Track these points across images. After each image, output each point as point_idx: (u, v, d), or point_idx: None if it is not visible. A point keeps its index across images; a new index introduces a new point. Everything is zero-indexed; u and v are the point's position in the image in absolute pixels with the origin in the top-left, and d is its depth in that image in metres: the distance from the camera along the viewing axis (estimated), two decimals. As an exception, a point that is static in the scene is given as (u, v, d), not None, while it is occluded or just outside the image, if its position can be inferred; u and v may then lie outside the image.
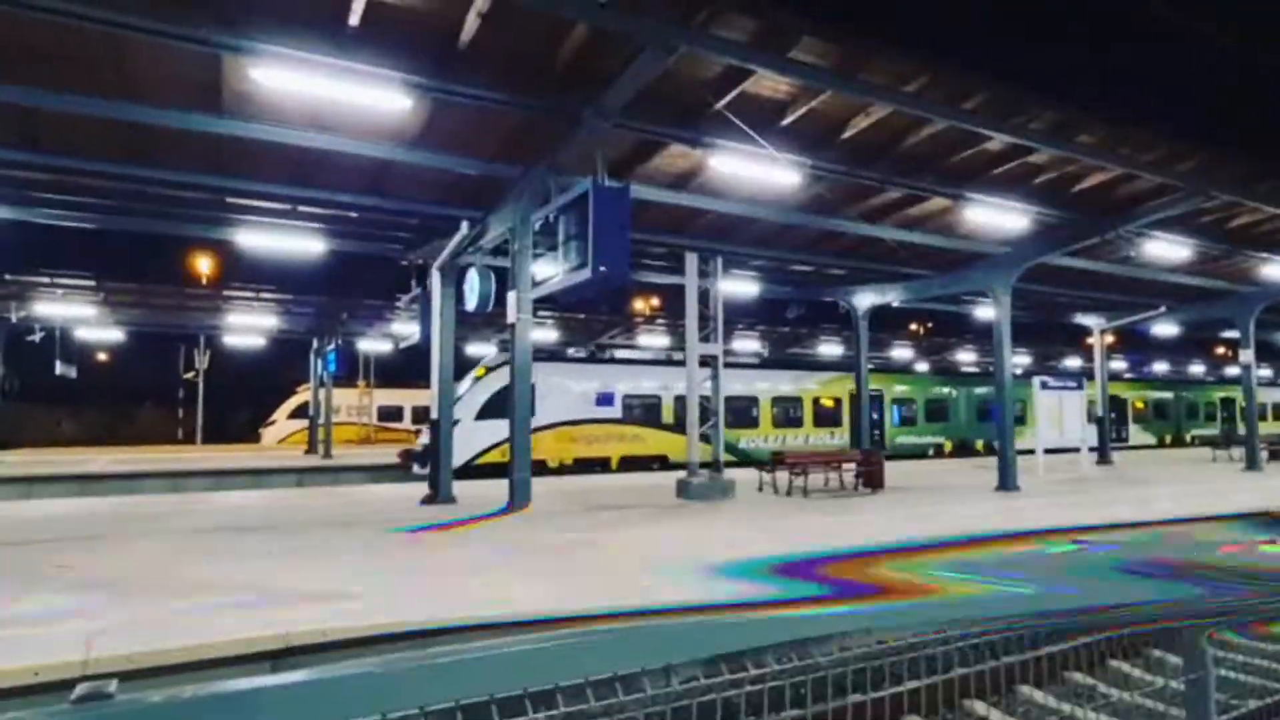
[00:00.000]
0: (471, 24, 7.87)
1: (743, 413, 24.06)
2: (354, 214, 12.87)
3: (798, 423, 25.61)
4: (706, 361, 14.17)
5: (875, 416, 26.35)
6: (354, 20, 7.66)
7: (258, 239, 13.17)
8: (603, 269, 8.49)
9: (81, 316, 22.35)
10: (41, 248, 21.50)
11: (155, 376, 43.03)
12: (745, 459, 22.51)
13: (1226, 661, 4.12)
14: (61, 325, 23.23)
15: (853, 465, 15.01)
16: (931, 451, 28.25)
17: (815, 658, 1.80)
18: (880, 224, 14.14)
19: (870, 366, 28.36)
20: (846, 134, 10.62)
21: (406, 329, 23.49)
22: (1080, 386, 19.03)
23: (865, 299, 18.33)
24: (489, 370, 20.80)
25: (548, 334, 26.62)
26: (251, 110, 9.09)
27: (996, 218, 13.03)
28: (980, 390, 30.08)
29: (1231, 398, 38.32)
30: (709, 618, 1.57)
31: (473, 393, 20.01)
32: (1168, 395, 36.24)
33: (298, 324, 25.44)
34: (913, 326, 41.54)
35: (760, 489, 14.51)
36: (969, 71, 9.56)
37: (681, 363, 24.98)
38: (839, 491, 14.29)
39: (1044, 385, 18.38)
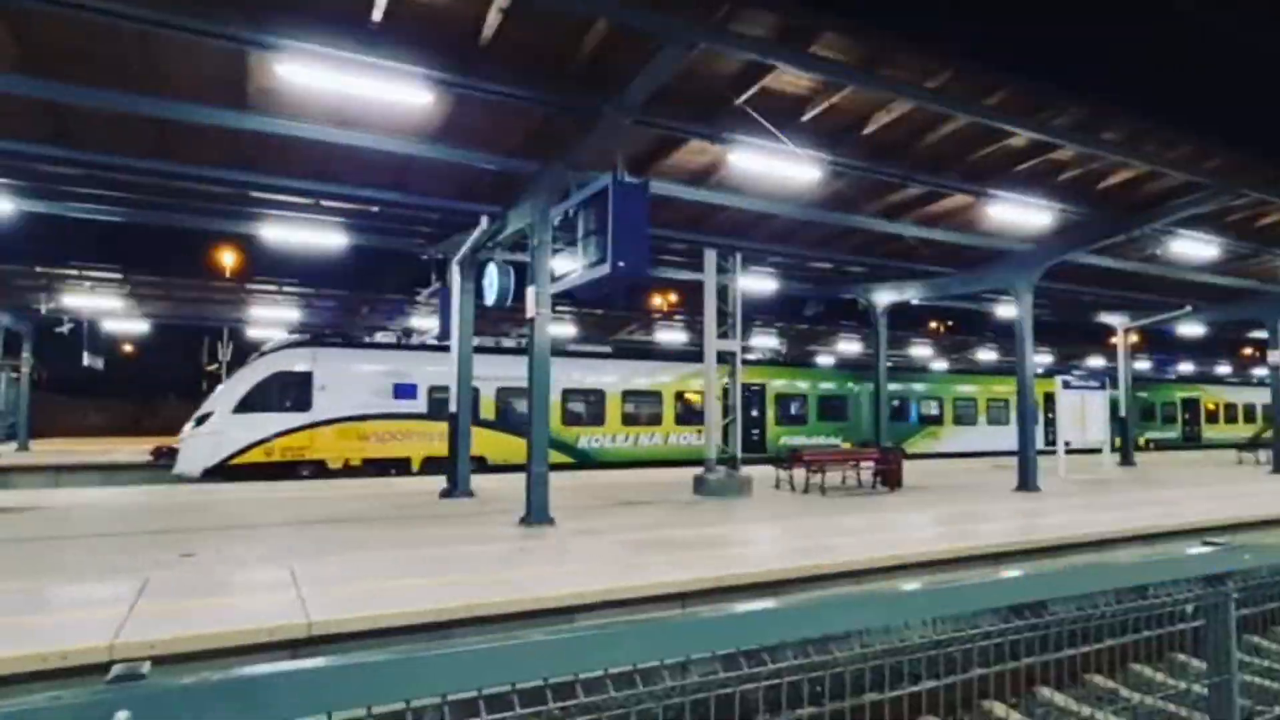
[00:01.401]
0: (493, 20, 7.89)
1: (583, 407, 21.21)
2: (375, 209, 12.98)
3: (655, 420, 22.31)
4: (725, 357, 14.11)
5: (754, 414, 23.56)
6: (377, 16, 7.72)
7: (281, 233, 13.33)
8: (622, 265, 8.49)
9: (108, 309, 22.77)
10: (71, 241, 21.93)
11: (179, 369, 43.65)
12: (586, 460, 20.28)
13: (1252, 666, 4.06)
14: (89, 317, 23.68)
15: (870, 464, 14.93)
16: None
17: (833, 654, 1.80)
18: (900, 220, 14.02)
19: (755, 358, 25.32)
20: (867, 130, 10.54)
21: (426, 323, 23.68)
22: (1103, 387, 18.76)
23: (884, 296, 18.20)
24: (262, 356, 18.42)
25: (566, 329, 26.69)
26: (276, 106, 9.19)
27: (1019, 215, 12.87)
28: (888, 385, 27.37)
29: (1195, 398, 35.23)
30: (727, 612, 1.58)
31: (232, 383, 17.95)
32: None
33: (319, 317, 25.76)
34: (933, 325, 41.21)
35: (777, 486, 14.49)
36: (991, 67, 9.45)
37: (505, 350, 21.22)
38: (856, 490, 14.22)
39: (1066, 385, 18.14)
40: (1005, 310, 20.85)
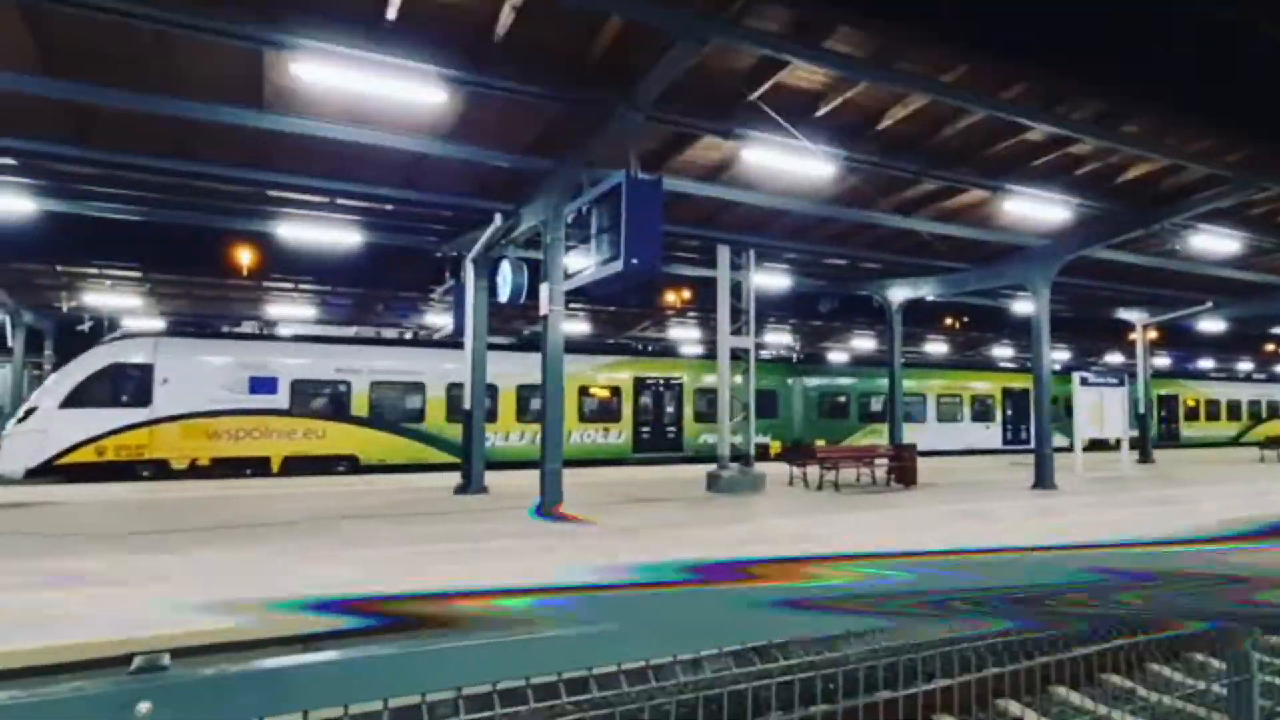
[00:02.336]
0: (506, 17, 7.91)
1: None
2: (390, 206, 13.07)
3: None
4: (738, 354, 14.09)
5: (670, 410, 21.96)
6: (391, 14, 7.75)
7: (297, 231, 13.44)
8: (635, 261, 8.50)
9: (128, 307, 23.06)
10: (91, 240, 22.19)
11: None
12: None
13: (1271, 666, 4.01)
14: (109, 315, 24.00)
15: (885, 460, 14.86)
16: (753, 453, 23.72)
17: (846, 651, 1.80)
18: (915, 216, 13.93)
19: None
20: (882, 125, 10.47)
21: (440, 320, 23.79)
22: (1121, 383, 18.54)
23: (899, 293, 18.09)
24: (98, 347, 17.12)
25: (579, 326, 26.73)
26: (291, 105, 9.26)
27: (1036, 210, 12.75)
28: (820, 381, 25.18)
29: (1174, 394, 32.13)
30: (742, 611, 1.58)
31: (60, 375, 16.66)
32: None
33: (335, 315, 25.96)
34: (948, 321, 40.80)
35: (791, 483, 14.45)
36: (1008, 60, 9.36)
37: (379, 341, 20.19)
38: (870, 487, 14.16)
39: (1085, 381, 17.95)
40: (1022, 306, 20.64)
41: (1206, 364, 40.84)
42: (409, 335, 23.09)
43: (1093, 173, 12.35)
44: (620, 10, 7.77)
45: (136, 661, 1.11)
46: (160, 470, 16.21)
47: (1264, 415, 34.91)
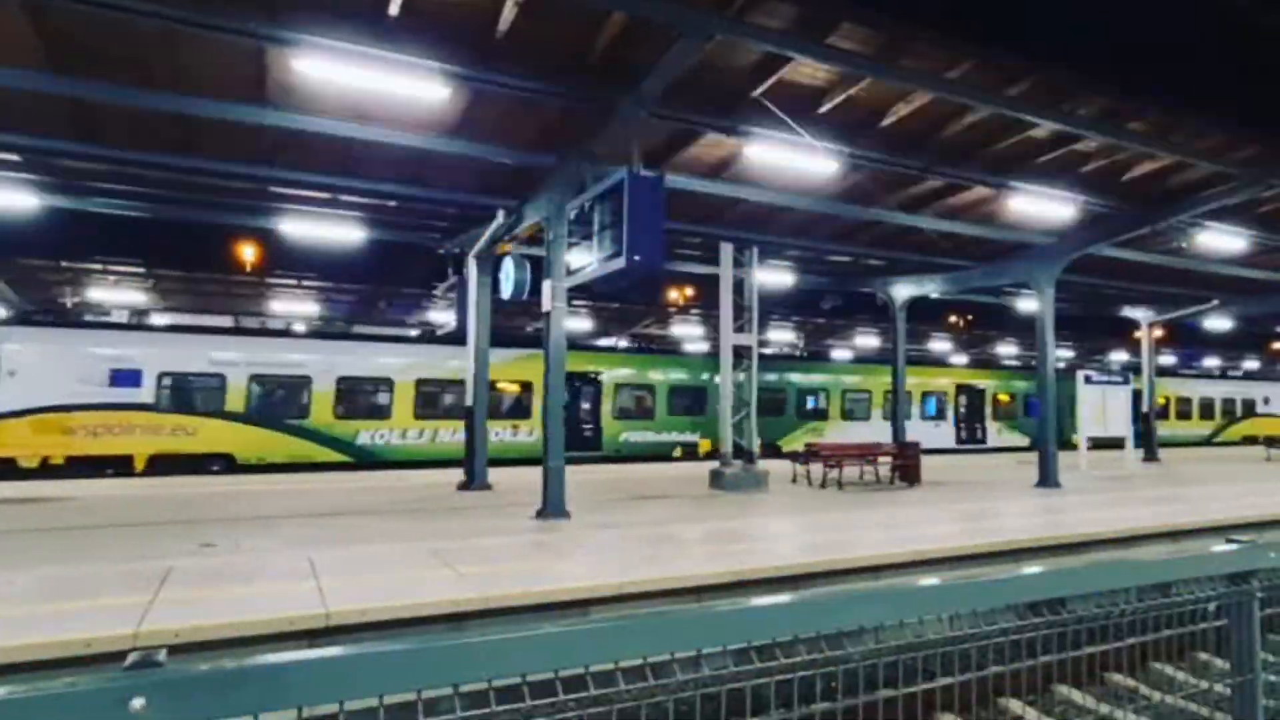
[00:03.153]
0: (509, 13, 7.89)
1: (364, 397, 18.64)
2: (393, 203, 13.06)
3: (460, 412, 17.98)
4: (741, 352, 14.07)
5: (586, 407, 21.05)
6: (394, 10, 7.74)
7: (300, 227, 13.45)
8: (637, 258, 8.49)
9: (132, 303, 23.13)
10: (95, 236, 22.28)
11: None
12: (366, 459, 17.99)
13: (1276, 666, 3.99)
14: (114, 311, 24.09)
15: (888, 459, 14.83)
16: (679, 452, 22.04)
17: (847, 649, 1.79)
18: (920, 214, 13.88)
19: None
20: (886, 121, 10.43)
21: (443, 317, 23.84)
22: (1127, 381, 18.48)
23: (903, 290, 18.03)
24: None
25: (583, 323, 26.74)
26: (295, 102, 9.26)
27: (1041, 207, 12.69)
28: (764, 375, 22.90)
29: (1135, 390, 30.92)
30: (741, 606, 1.57)
31: None
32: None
33: (338, 311, 26.01)
34: (952, 319, 40.71)
35: (794, 480, 14.43)
36: (1014, 57, 9.31)
37: (260, 331, 19.99)
38: (874, 485, 14.13)
39: (1088, 380, 17.89)
40: (1027, 304, 20.57)
41: (1175, 360, 40.00)
42: (398, 332, 22.90)
43: (1098, 170, 12.29)
44: (624, 6, 7.74)
45: (131, 657, 1.10)
46: (7, 469, 15.01)
47: (1239, 414, 34.24)
